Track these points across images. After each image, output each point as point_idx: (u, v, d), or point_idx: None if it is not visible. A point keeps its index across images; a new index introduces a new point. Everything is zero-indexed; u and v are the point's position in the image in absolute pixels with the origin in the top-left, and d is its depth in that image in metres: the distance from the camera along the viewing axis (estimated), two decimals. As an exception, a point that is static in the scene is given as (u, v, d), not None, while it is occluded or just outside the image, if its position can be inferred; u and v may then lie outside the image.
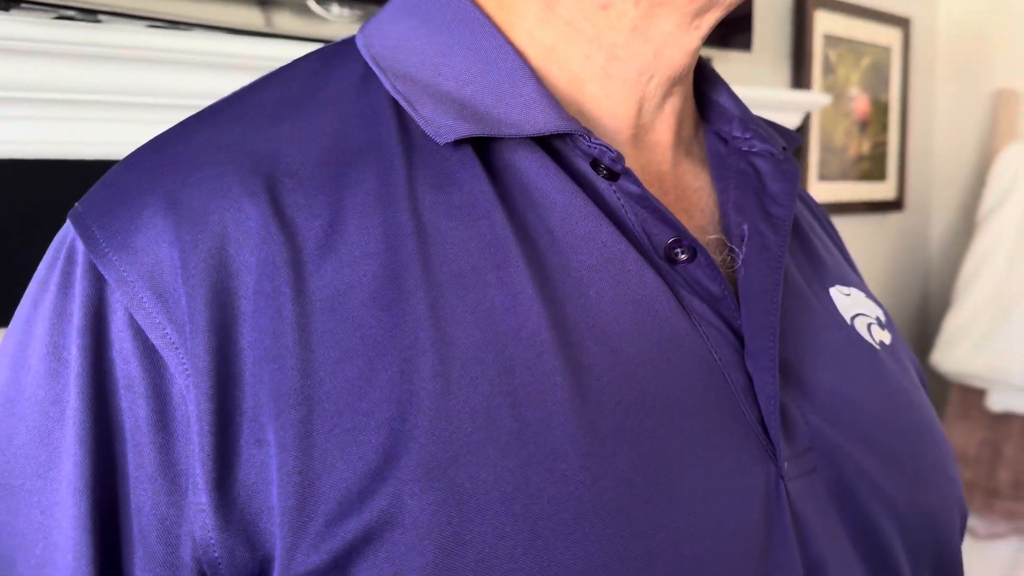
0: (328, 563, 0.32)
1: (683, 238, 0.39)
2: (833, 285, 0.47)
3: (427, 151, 0.38)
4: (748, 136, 0.44)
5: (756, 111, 1.46)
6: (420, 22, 0.40)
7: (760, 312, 0.38)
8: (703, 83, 0.47)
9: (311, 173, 0.36)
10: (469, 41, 0.39)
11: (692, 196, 0.44)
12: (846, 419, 0.40)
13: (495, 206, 0.37)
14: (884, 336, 0.47)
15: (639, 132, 0.42)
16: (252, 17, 1.18)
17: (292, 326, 0.33)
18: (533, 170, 0.38)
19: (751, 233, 0.41)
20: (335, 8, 1.17)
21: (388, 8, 0.42)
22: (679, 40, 0.40)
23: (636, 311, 0.37)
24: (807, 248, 0.47)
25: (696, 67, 0.46)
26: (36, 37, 0.81)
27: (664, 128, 0.43)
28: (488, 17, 0.40)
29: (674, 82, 0.42)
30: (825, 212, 0.56)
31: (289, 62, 0.42)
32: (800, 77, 1.85)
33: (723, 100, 0.46)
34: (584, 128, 0.38)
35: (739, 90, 1.41)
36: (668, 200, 0.42)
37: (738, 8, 1.48)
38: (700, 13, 0.40)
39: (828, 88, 1.90)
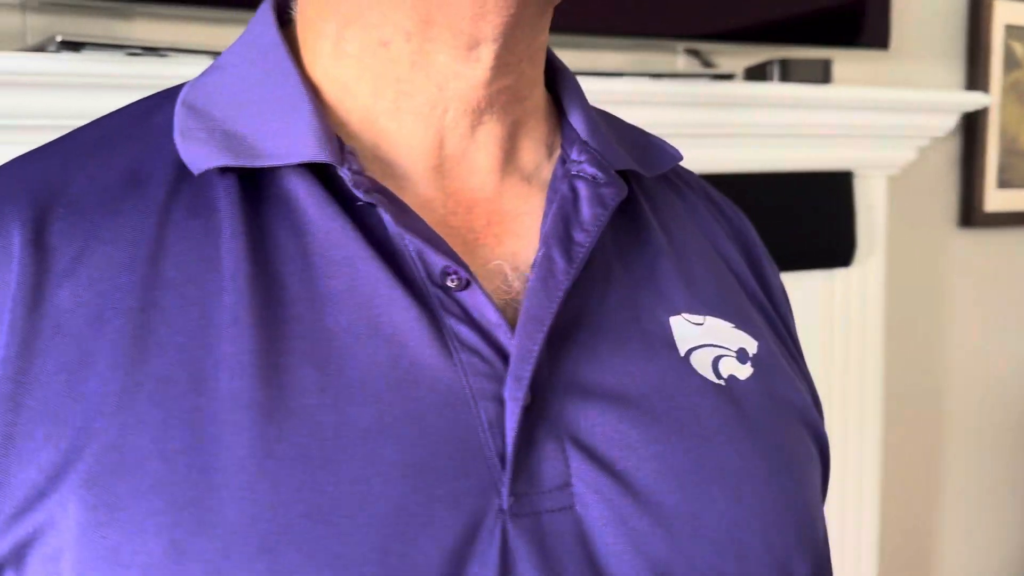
0: (8, 554, 0.35)
1: (453, 265, 0.38)
2: (678, 313, 0.43)
3: (195, 180, 0.40)
4: (582, 159, 0.43)
5: (894, 115, 1.34)
6: (238, 60, 0.43)
7: (527, 341, 0.37)
8: (565, 104, 0.46)
9: (90, 202, 0.39)
10: (266, 78, 0.41)
11: (511, 222, 0.43)
12: (623, 460, 0.38)
13: (239, 232, 0.38)
14: (742, 370, 0.43)
15: (445, 163, 0.42)
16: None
17: (19, 339, 0.36)
18: (302, 198, 0.39)
19: (541, 260, 0.40)
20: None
21: (226, 50, 0.44)
22: (462, 74, 0.40)
23: (374, 337, 0.37)
24: (649, 273, 0.44)
25: (566, 88, 0.46)
26: (111, 72, 0.89)
27: (483, 156, 0.42)
28: (293, 55, 0.42)
29: (479, 112, 0.41)
30: (746, 232, 0.54)
31: (133, 102, 0.45)
32: (974, 73, 1.66)
33: (573, 120, 0.45)
34: (340, 158, 0.38)
35: (870, 92, 1.31)
36: (477, 226, 0.42)
37: (868, 3, 1.36)
38: (471, 47, 0.39)
39: (1012, 85, 1.69)
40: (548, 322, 0.38)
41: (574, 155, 0.44)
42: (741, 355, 0.43)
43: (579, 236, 0.41)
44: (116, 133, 0.42)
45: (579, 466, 0.37)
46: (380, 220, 0.39)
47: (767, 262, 0.53)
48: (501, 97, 0.41)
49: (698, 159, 1.16)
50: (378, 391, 0.36)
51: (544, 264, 0.40)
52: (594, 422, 0.38)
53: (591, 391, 0.39)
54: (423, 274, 0.38)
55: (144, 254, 0.38)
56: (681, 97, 1.20)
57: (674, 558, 0.37)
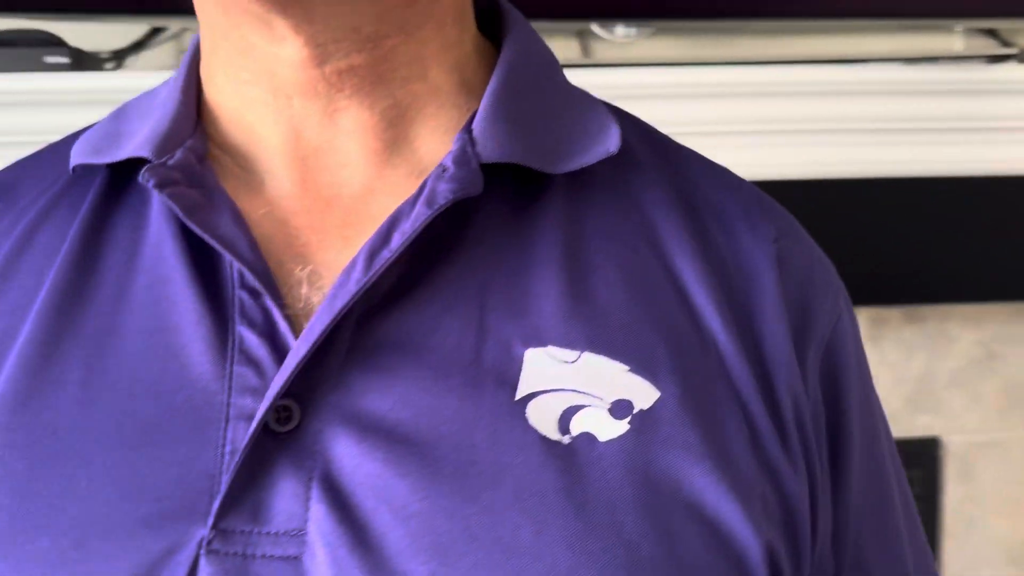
0: None
1: (246, 269, 0.35)
2: (543, 345, 0.35)
3: (83, 180, 0.41)
4: (454, 147, 0.38)
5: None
6: (169, 80, 0.44)
7: (292, 358, 0.33)
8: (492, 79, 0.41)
9: (22, 195, 0.42)
10: (165, 90, 0.42)
11: (372, 222, 0.38)
12: (375, 514, 0.32)
13: (85, 226, 0.39)
14: (608, 428, 0.34)
15: (309, 155, 0.39)
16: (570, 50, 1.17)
17: None
18: (145, 195, 0.40)
19: (347, 267, 0.35)
20: (619, 29, 1.12)
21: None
22: (280, 56, 0.37)
23: (154, 340, 0.35)
24: (518, 293, 0.36)
25: (502, 60, 0.41)
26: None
27: (354, 146, 0.39)
28: (197, 70, 0.42)
29: (327, 98, 0.38)
30: (745, 263, 0.41)
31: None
32: None
33: (485, 99, 0.39)
34: (140, 157, 0.38)
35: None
36: (328, 226, 0.38)
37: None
38: (268, 25, 0.36)
39: None
40: (313, 339, 0.33)
41: (454, 143, 0.38)
42: (618, 409, 0.35)
43: (394, 240, 0.35)
44: (68, 143, 0.44)
45: (320, 512, 0.32)
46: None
47: (780, 308, 0.40)
48: (352, 80, 0.38)
49: (981, 158, 1.03)
50: (133, 396, 0.34)
51: (345, 272, 0.35)
52: (358, 463, 0.32)
53: (369, 426, 0.33)
54: (235, 277, 0.36)
55: (22, 233, 0.40)
56: (959, 84, 1.07)
57: None
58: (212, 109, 0.41)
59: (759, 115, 1.10)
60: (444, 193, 0.36)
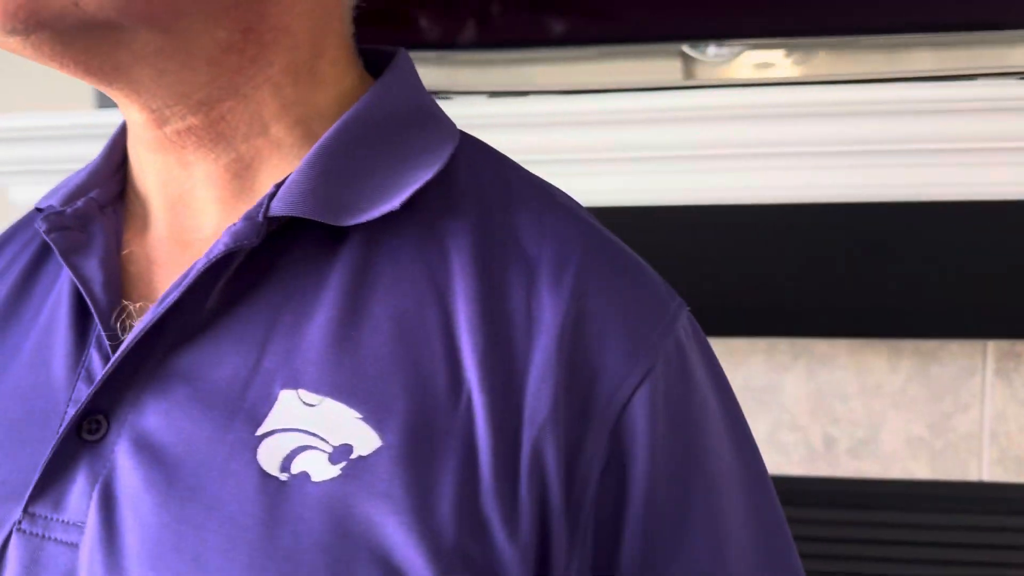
0: None
1: (90, 301, 0.41)
2: (296, 388, 0.38)
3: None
4: (256, 203, 0.42)
5: None
6: None
7: (98, 379, 0.39)
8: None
9: (11, 232, 0.52)
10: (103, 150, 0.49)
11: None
12: (123, 522, 0.37)
13: (24, 263, 0.47)
14: (324, 471, 0.36)
15: (175, 200, 0.44)
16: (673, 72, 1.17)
17: None
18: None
19: (155, 304, 0.40)
20: (711, 50, 1.10)
21: None
22: (130, 117, 0.43)
23: (34, 354, 0.42)
24: (293, 339, 0.39)
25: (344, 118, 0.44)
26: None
27: (205, 194, 0.43)
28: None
29: (177, 151, 0.42)
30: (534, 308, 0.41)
31: None
32: None
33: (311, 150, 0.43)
34: (40, 209, 0.45)
35: None
36: (181, 262, 0.43)
37: None
38: (105, 89, 0.40)
39: None
40: (112, 365, 0.39)
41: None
42: (337, 453, 0.37)
43: (181, 283, 0.40)
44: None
45: (94, 511, 0.37)
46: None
47: (553, 366, 0.39)
48: (192, 138, 0.42)
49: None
50: (13, 400, 0.41)
51: (151, 309, 0.40)
52: (128, 475, 0.37)
53: (144, 445, 0.38)
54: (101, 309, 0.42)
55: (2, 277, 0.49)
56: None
57: None
58: (130, 163, 0.47)
59: (863, 135, 1.05)
60: (219, 245, 0.39)
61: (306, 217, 0.40)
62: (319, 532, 0.36)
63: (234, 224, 0.40)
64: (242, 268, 0.41)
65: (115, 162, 0.47)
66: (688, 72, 1.20)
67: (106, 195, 0.46)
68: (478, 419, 0.38)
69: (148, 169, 0.44)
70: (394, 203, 0.41)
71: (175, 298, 0.39)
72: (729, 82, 1.12)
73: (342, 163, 0.42)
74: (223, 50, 0.39)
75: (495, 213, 0.43)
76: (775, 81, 1.11)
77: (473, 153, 0.46)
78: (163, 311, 0.39)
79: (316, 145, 0.42)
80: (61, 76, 1.31)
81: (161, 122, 0.41)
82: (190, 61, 0.39)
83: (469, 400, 0.38)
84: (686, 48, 1.11)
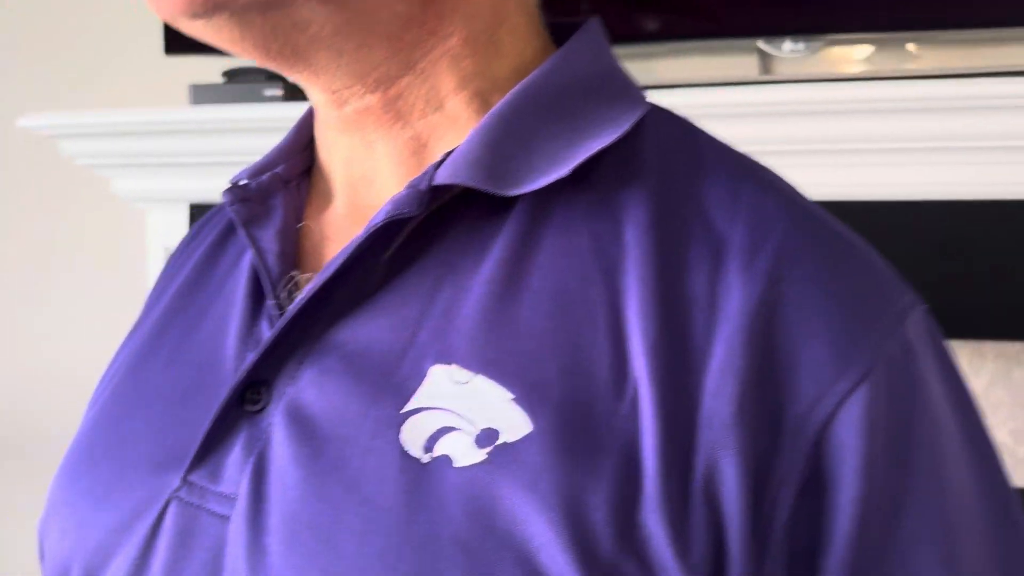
0: None
1: (263, 272, 0.42)
2: (449, 363, 0.35)
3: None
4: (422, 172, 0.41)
5: None
6: None
7: (257, 350, 0.39)
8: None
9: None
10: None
11: None
12: (275, 495, 0.36)
13: (204, 245, 0.49)
14: (468, 455, 0.33)
15: (356, 179, 0.44)
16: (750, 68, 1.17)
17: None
18: None
19: (316, 276, 0.40)
20: (787, 45, 1.10)
21: None
22: (317, 100, 0.43)
23: (214, 323, 0.44)
24: (451, 310, 0.37)
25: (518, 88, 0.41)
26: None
27: (386, 172, 0.43)
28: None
29: (361, 131, 0.42)
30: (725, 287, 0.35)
31: None
32: None
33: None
34: (231, 185, 0.45)
35: None
36: (347, 242, 0.43)
37: None
38: (291, 76, 0.41)
39: None
40: (273, 336, 0.38)
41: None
42: (483, 437, 0.34)
43: (338, 257, 0.39)
44: None
45: (245, 484, 0.36)
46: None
47: (738, 364, 0.34)
48: (371, 118, 0.42)
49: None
50: (190, 367, 0.42)
51: (314, 279, 0.39)
52: (282, 448, 0.36)
53: (299, 419, 0.37)
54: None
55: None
56: None
57: None
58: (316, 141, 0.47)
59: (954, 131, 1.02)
60: (380, 214, 0.38)
61: (469, 186, 0.38)
62: (459, 523, 0.33)
63: (399, 193, 0.39)
64: (408, 241, 0.39)
65: (303, 139, 0.47)
66: (764, 67, 1.19)
67: (291, 171, 0.46)
68: (644, 416, 0.33)
69: (333, 148, 0.44)
70: (563, 171, 0.38)
71: (335, 268, 0.38)
72: (805, 77, 1.11)
73: (513, 132, 0.39)
74: (402, 24, 0.39)
75: (681, 185, 0.39)
76: (850, 77, 1.10)
77: (663, 124, 0.42)
78: (324, 281, 0.38)
79: (487, 115, 0.40)
80: (159, 75, 1.38)
81: (341, 103, 0.41)
82: (367, 39, 0.38)
83: (635, 394, 0.34)
84: (761, 44, 1.11)
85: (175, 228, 1.33)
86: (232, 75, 1.21)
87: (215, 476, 0.37)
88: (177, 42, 1.23)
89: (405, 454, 0.34)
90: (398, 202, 0.38)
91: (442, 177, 0.38)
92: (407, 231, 0.39)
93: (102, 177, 1.36)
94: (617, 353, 0.35)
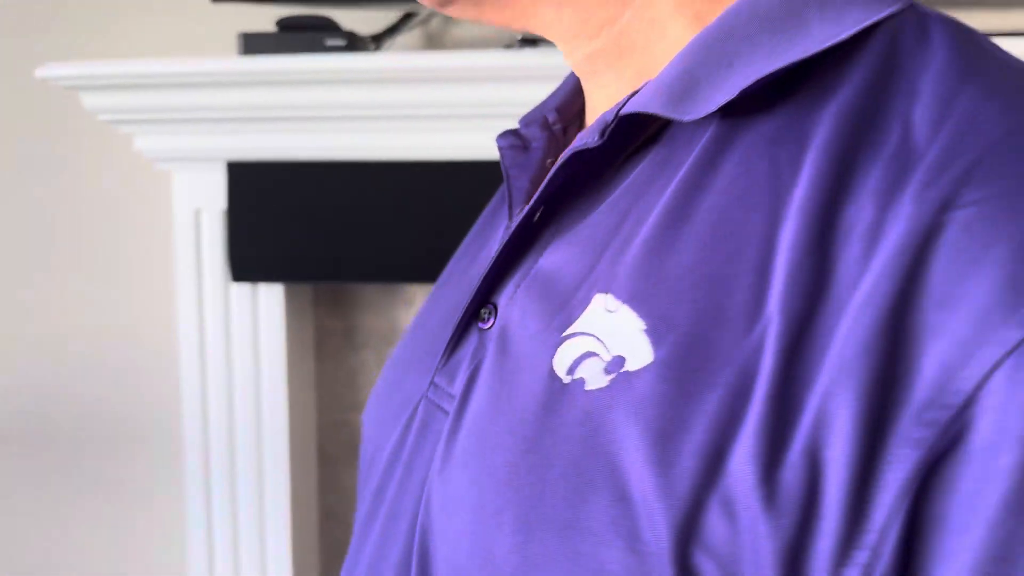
0: None
1: (511, 211, 0.46)
2: (608, 292, 0.36)
3: None
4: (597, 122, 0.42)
5: None
6: None
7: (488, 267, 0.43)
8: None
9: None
10: None
11: None
12: (469, 393, 0.40)
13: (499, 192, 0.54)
14: (597, 380, 0.34)
15: (589, 112, 0.46)
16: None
17: None
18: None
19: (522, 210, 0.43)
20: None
21: None
22: (560, 50, 0.46)
23: (480, 258, 0.49)
24: (626, 239, 0.37)
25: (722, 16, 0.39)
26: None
27: (597, 107, 0.45)
28: None
29: (593, 78, 0.44)
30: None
31: None
32: None
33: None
34: (505, 131, 0.49)
35: None
36: None
37: None
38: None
39: None
40: (492, 260, 0.42)
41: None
42: (613, 364, 0.34)
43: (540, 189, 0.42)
44: None
45: (461, 388, 0.40)
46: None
47: (881, 309, 0.30)
48: (600, 61, 0.43)
49: None
50: (460, 286, 0.48)
51: (523, 209, 0.43)
52: (489, 359, 0.40)
53: (503, 333, 0.40)
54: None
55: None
56: None
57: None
58: None
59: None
60: (569, 148, 0.39)
61: (650, 112, 0.36)
62: (574, 443, 0.33)
63: (596, 123, 0.38)
64: (603, 171, 0.40)
65: (576, 84, 0.50)
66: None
67: (561, 115, 0.49)
68: (767, 354, 0.31)
69: (587, 94, 0.46)
70: (732, 92, 0.35)
71: (534, 200, 0.41)
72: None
73: (714, 54, 0.37)
74: None
75: (896, 99, 0.34)
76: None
77: (916, 31, 0.36)
78: (526, 212, 0.41)
79: (693, 38, 0.38)
80: (197, 24, 1.30)
81: (572, 51, 0.43)
82: None
83: (764, 330, 0.31)
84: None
85: (208, 189, 1.26)
86: (293, 25, 1.15)
87: (451, 379, 0.42)
88: (225, -12, 1.16)
89: (552, 373, 0.35)
90: (584, 134, 0.39)
91: (629, 107, 0.37)
92: (594, 161, 0.39)
93: (122, 134, 1.27)
94: (758, 287, 0.32)
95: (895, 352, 0.29)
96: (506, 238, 0.41)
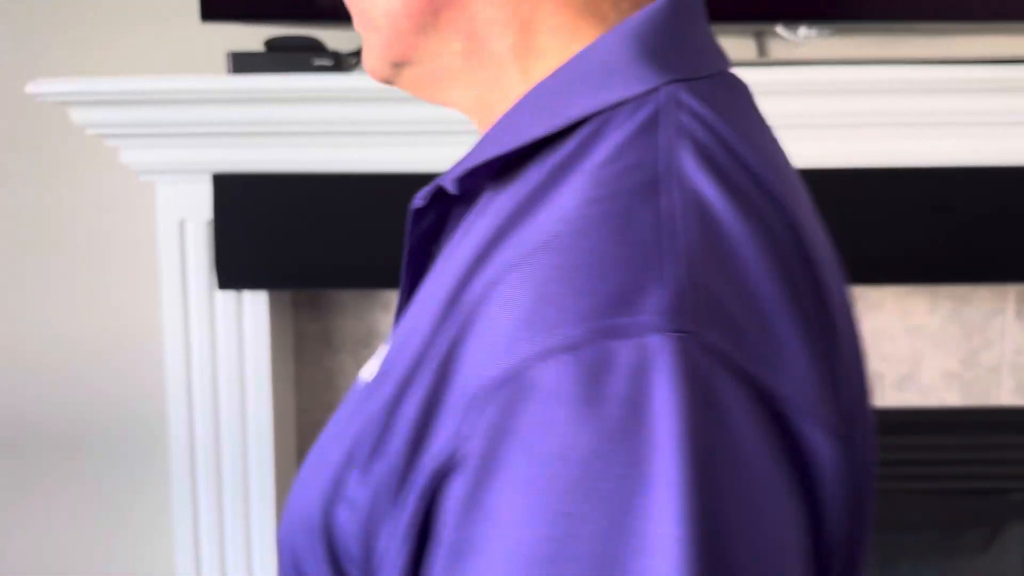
0: None
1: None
2: (392, 332, 0.47)
3: None
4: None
5: None
6: None
7: None
8: None
9: None
10: None
11: None
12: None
13: None
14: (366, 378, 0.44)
15: None
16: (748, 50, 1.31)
17: None
18: None
19: None
20: (802, 30, 1.24)
21: None
22: None
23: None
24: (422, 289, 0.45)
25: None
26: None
27: None
28: None
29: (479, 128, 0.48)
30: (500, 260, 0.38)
31: None
32: None
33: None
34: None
35: None
36: None
37: None
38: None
39: None
40: (398, 303, 0.51)
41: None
42: (370, 375, 0.44)
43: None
44: None
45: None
46: None
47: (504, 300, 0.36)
48: (485, 127, 0.47)
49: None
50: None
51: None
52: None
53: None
54: None
55: None
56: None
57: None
58: None
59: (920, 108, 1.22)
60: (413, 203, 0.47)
61: (440, 184, 0.44)
62: (342, 424, 0.44)
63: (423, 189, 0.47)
64: (443, 231, 0.48)
65: None
66: (763, 51, 1.34)
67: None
68: (413, 392, 0.38)
69: None
70: (455, 172, 0.43)
71: (404, 254, 0.49)
72: (800, 60, 1.27)
73: (495, 130, 0.43)
74: (462, 58, 0.44)
75: (560, 187, 0.38)
76: (837, 61, 1.27)
77: (643, 121, 0.39)
78: (404, 264, 0.50)
79: (514, 110, 0.43)
80: (184, 44, 1.33)
81: (474, 119, 0.48)
82: (453, 82, 0.46)
83: (421, 370, 0.38)
84: (779, 29, 1.25)
85: (193, 200, 1.30)
86: (281, 45, 1.20)
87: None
88: (215, 7, 1.21)
89: (364, 381, 0.44)
90: (419, 197, 0.46)
91: (442, 177, 0.44)
92: (430, 221, 0.47)
93: (108, 148, 1.30)
94: (433, 335, 0.38)
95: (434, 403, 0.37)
96: (403, 283, 0.50)
